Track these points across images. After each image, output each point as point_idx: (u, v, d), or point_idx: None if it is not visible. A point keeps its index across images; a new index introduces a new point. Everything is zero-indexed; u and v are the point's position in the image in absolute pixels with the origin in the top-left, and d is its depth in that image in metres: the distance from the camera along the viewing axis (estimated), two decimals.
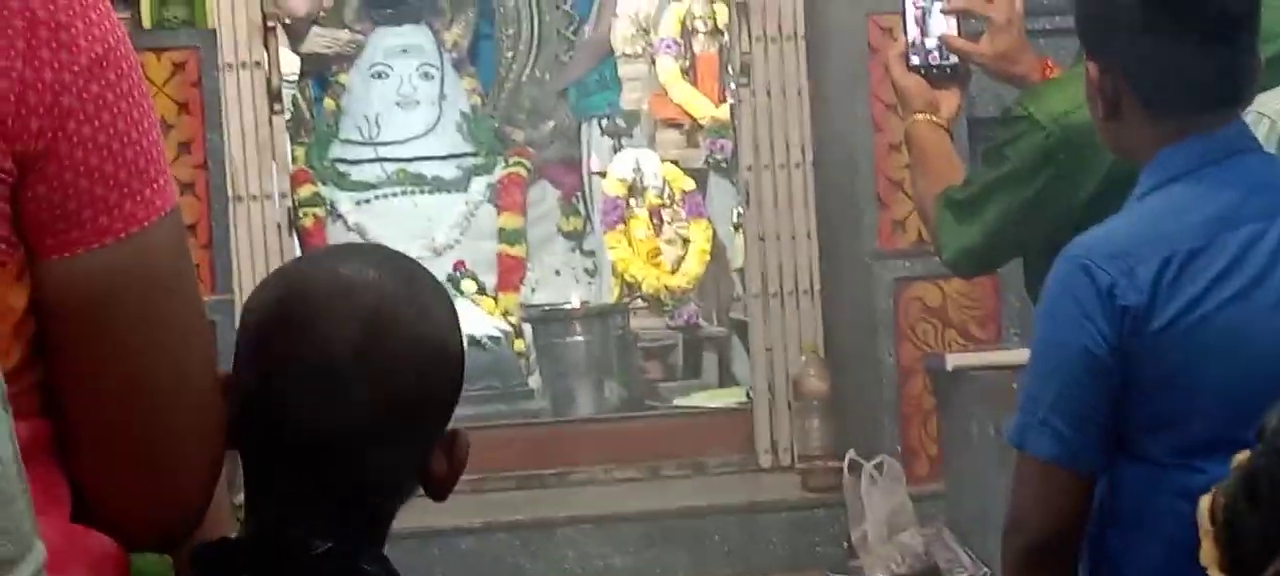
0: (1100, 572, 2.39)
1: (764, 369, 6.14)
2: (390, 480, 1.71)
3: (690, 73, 7.50)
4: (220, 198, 5.62)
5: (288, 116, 6.12)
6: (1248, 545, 1.65)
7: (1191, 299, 2.28)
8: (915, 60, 3.14)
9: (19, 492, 1.29)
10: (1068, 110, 2.85)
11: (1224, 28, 2.33)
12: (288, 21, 7.50)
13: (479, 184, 8.34)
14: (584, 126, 8.46)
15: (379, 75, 8.49)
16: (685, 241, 7.36)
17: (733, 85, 6.44)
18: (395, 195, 8.27)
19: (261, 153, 5.69)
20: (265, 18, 5.68)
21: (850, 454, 5.57)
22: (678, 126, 7.50)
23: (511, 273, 8.21)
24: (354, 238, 8.05)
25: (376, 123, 8.41)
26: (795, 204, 5.99)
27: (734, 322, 7.21)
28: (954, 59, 3.15)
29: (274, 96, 5.71)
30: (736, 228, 7.08)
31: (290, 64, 7.55)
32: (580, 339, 7.05)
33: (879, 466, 5.48)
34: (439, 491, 1.73)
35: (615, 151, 7.86)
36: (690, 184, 7.40)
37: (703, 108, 7.39)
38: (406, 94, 8.47)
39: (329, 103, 8.53)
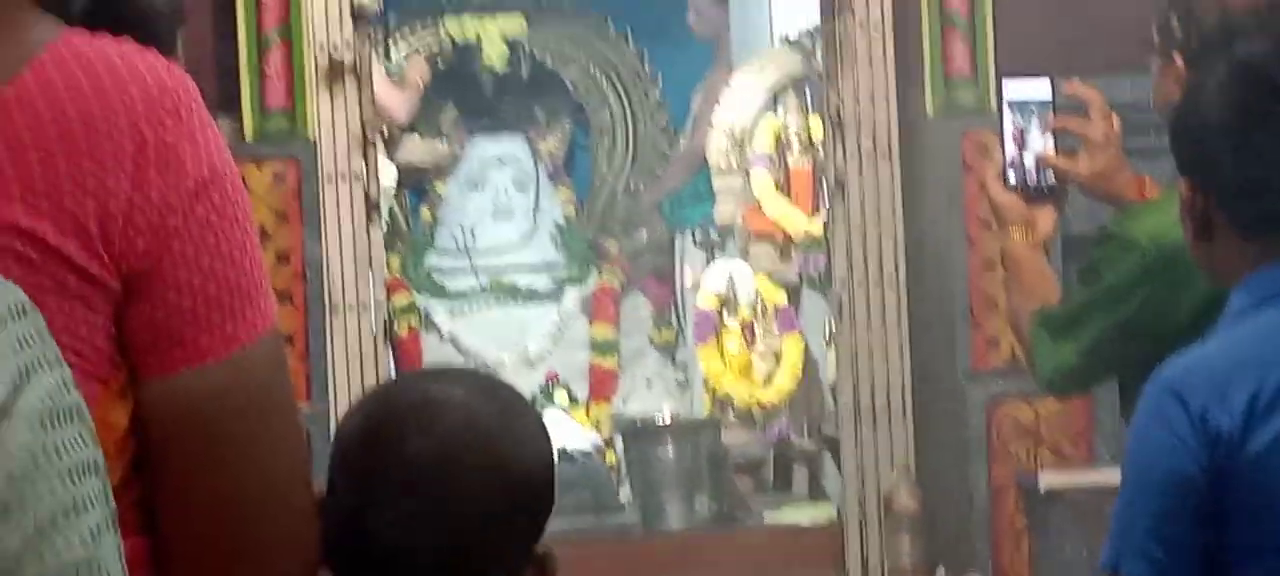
0: None
1: (855, 485, 6.10)
2: None
3: (784, 187, 7.51)
4: (317, 307, 5.65)
5: (384, 226, 6.15)
6: None
7: None
8: (1012, 177, 3.14)
9: None
10: (1164, 230, 2.83)
11: None
12: (386, 133, 7.56)
13: (572, 295, 8.37)
14: (678, 238, 8.48)
15: (475, 185, 8.55)
16: (777, 356, 7.35)
17: (827, 200, 6.43)
18: (489, 305, 8.31)
19: (359, 262, 5.72)
20: (365, 129, 5.73)
21: (940, 572, 5.52)
22: (771, 240, 7.50)
23: (603, 384, 8.21)
24: (448, 347, 8.09)
25: (471, 233, 8.46)
26: (888, 320, 5.97)
27: (825, 438, 7.17)
28: (1051, 177, 3.14)
29: (372, 206, 5.75)
30: (829, 343, 7.05)
31: (388, 174, 7.61)
32: (671, 452, 7.03)
33: None
34: None
35: (708, 264, 7.87)
36: (783, 298, 7.39)
37: (796, 222, 7.39)
38: (501, 204, 8.53)
39: (425, 212, 8.60)
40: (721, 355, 7.41)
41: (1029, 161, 3.14)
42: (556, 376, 8.13)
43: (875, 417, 5.99)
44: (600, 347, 8.24)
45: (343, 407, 5.55)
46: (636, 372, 8.34)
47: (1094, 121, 3.13)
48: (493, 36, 8.70)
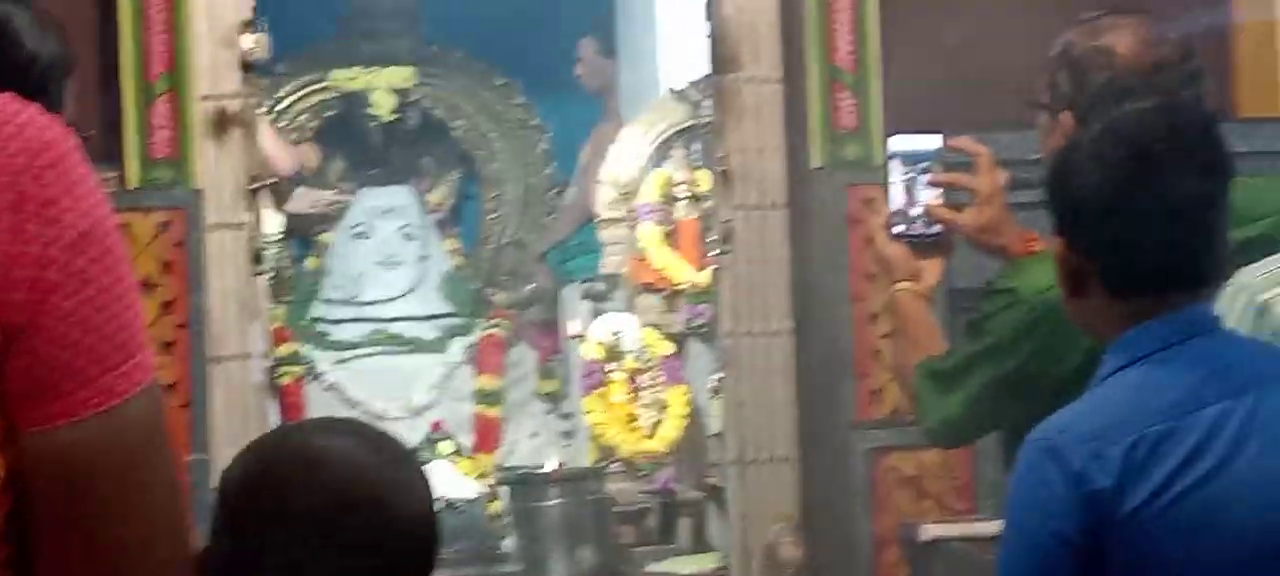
0: None
1: (740, 535, 6.08)
2: None
3: (671, 238, 7.51)
4: (200, 357, 5.59)
5: (270, 276, 6.10)
6: None
7: (1160, 482, 2.26)
8: (900, 229, 3.15)
9: None
10: (1050, 285, 2.82)
11: (1187, 212, 2.33)
12: (273, 182, 7.50)
13: (458, 345, 8.34)
14: (564, 289, 8.48)
15: (361, 235, 8.51)
16: (663, 406, 7.34)
17: (714, 252, 6.43)
18: (374, 355, 8.26)
19: (243, 313, 5.66)
20: (251, 179, 5.67)
21: None
22: (658, 291, 7.50)
23: (489, 434, 8.18)
24: (332, 397, 8.03)
25: (358, 282, 8.42)
26: (774, 371, 5.96)
27: (710, 488, 7.16)
28: (938, 228, 3.15)
29: (257, 257, 5.69)
30: (714, 393, 7.05)
31: (274, 223, 7.54)
32: (556, 502, 7.00)
33: None
34: None
35: (595, 315, 7.86)
36: (669, 349, 7.38)
37: (683, 273, 7.40)
38: (388, 254, 8.49)
39: (311, 262, 8.55)
40: (607, 405, 7.39)
41: (916, 212, 3.14)
42: (442, 426, 8.09)
43: (760, 467, 5.98)
44: (486, 398, 8.22)
45: (224, 458, 5.44)
46: (522, 423, 8.32)
47: (981, 175, 3.13)
48: (381, 87, 8.67)
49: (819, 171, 5.82)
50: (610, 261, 7.77)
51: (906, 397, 3.19)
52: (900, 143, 3.19)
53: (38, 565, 1.51)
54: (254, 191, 5.68)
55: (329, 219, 8.52)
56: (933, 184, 3.15)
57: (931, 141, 3.18)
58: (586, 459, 7.61)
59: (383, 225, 8.54)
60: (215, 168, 5.66)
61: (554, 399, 8.38)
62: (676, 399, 7.33)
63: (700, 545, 7.20)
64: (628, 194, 7.67)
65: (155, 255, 5.56)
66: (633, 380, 7.36)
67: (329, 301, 8.41)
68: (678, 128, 7.69)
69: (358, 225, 8.53)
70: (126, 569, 1.53)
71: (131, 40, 5.58)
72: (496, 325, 8.37)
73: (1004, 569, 2.32)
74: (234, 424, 5.60)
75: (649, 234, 7.49)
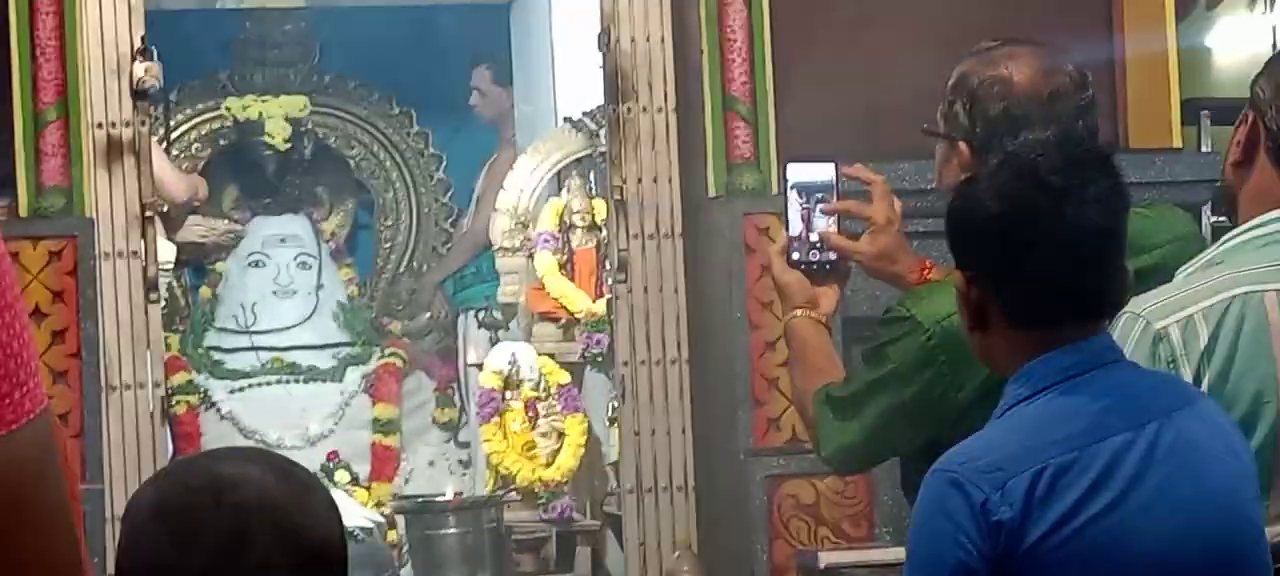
0: None
1: (637, 563, 6.07)
2: None
3: (568, 267, 7.50)
4: (93, 386, 5.52)
5: (163, 305, 6.03)
6: None
7: (1064, 513, 2.26)
8: (796, 256, 3.14)
9: None
10: (949, 313, 2.83)
11: (1085, 244, 2.34)
12: (166, 210, 7.43)
13: (354, 374, 8.29)
14: (461, 318, 8.44)
15: (256, 264, 8.44)
16: (560, 435, 7.31)
17: (610, 281, 6.43)
18: (269, 384, 8.20)
19: (136, 342, 5.60)
20: (144, 207, 5.61)
21: None
22: (555, 320, 7.48)
23: (385, 463, 8.12)
24: (227, 426, 7.95)
25: (252, 311, 8.35)
26: (671, 400, 5.96)
27: (608, 517, 7.14)
28: (833, 256, 3.15)
29: (150, 286, 5.63)
30: (612, 422, 7.04)
31: (167, 252, 7.47)
32: (453, 531, 6.96)
33: None
34: None
35: (492, 344, 7.83)
36: (566, 377, 7.36)
37: (580, 302, 7.38)
38: (283, 283, 8.43)
39: (205, 291, 8.47)
40: (504, 434, 7.35)
41: (813, 239, 3.14)
42: (337, 455, 8.03)
43: (657, 496, 5.97)
44: (382, 427, 8.16)
45: (118, 487, 5.42)
46: (419, 452, 8.27)
47: (875, 203, 3.13)
48: (275, 115, 8.61)
49: (715, 200, 5.83)
50: (507, 290, 7.74)
51: (805, 425, 3.18)
52: (796, 171, 3.18)
53: None
54: (147, 219, 5.62)
55: (223, 248, 8.44)
56: (828, 212, 3.15)
57: (826, 170, 3.18)
58: (484, 487, 7.57)
59: (278, 254, 8.48)
60: (107, 196, 5.60)
61: (451, 427, 8.33)
62: (574, 427, 7.31)
63: (598, 573, 7.18)
64: (524, 223, 7.65)
65: (46, 284, 5.50)
66: (530, 409, 7.33)
67: (223, 330, 8.33)
68: (574, 156, 7.68)
69: (252, 254, 8.46)
70: None
71: (21, 68, 5.51)
72: (393, 354, 8.32)
73: None
74: (129, 454, 5.54)
75: (545, 263, 7.47)
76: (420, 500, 7.47)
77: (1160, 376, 2.51)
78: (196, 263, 8.44)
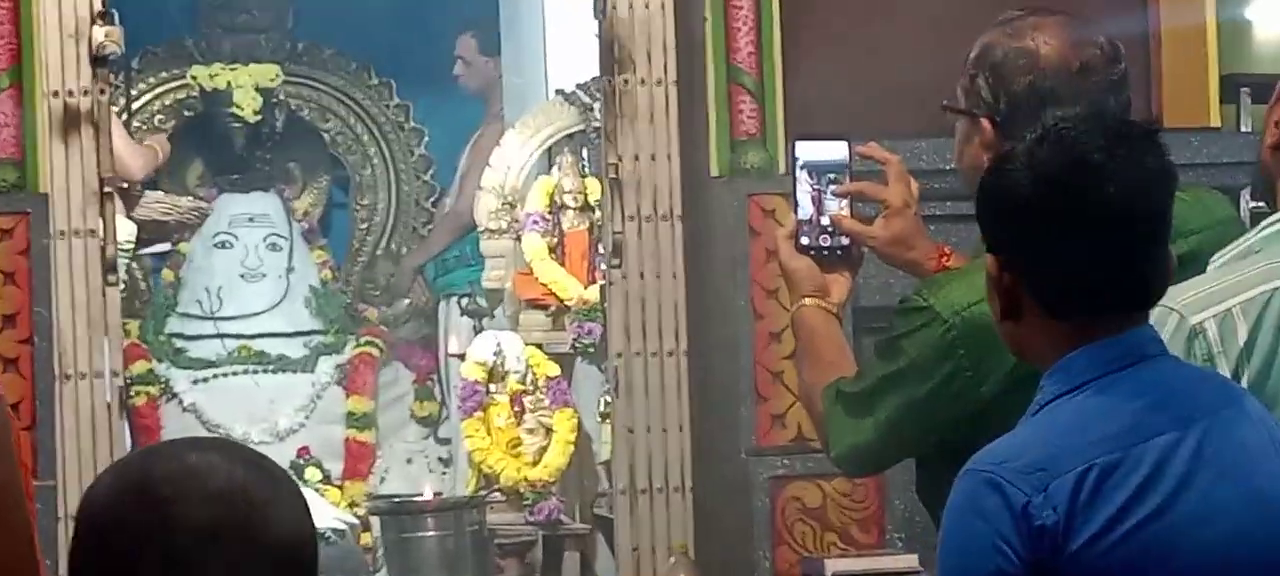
0: None
1: (630, 569, 6.07)
2: None
3: (558, 251, 7.50)
4: (46, 375, 5.52)
5: (122, 287, 6.03)
6: None
7: (1110, 516, 2.25)
8: (805, 241, 3.14)
9: None
10: (970, 303, 2.83)
11: (1129, 228, 2.33)
12: (125, 186, 7.42)
13: (327, 364, 8.29)
14: (442, 305, 8.45)
15: (222, 245, 8.44)
16: (548, 431, 7.32)
17: (603, 266, 6.42)
18: (236, 374, 8.20)
19: (92, 327, 5.59)
20: (102, 183, 5.60)
21: None
22: (543, 308, 7.48)
23: (360, 460, 8.13)
24: (190, 419, 7.96)
25: (218, 296, 8.34)
26: (667, 394, 5.96)
27: (599, 520, 7.15)
28: (845, 241, 3.14)
29: (109, 267, 5.62)
30: (604, 418, 7.04)
31: (126, 231, 7.47)
32: (432, 534, 6.96)
33: None
34: None
35: (475, 333, 7.83)
36: (555, 370, 7.36)
37: (570, 289, 7.38)
38: (251, 266, 8.42)
39: (167, 273, 8.47)
40: (488, 430, 7.36)
41: (824, 223, 3.13)
42: (308, 451, 8.04)
43: (652, 497, 5.98)
44: (356, 421, 8.17)
45: (72, 485, 5.42)
46: (396, 448, 8.27)
47: (892, 185, 3.13)
48: (244, 85, 8.60)
49: (717, 180, 5.82)
50: (492, 275, 7.74)
51: (813, 422, 3.18)
52: (806, 149, 3.18)
53: None
54: (105, 196, 5.62)
55: (186, 227, 8.44)
56: (840, 194, 3.14)
57: (839, 148, 3.18)
58: (465, 487, 7.57)
59: (246, 234, 8.47)
60: (63, 170, 5.59)
61: (431, 422, 8.34)
62: (563, 423, 7.31)
63: None
64: (511, 203, 7.65)
65: None
66: (516, 403, 7.33)
67: (186, 316, 8.33)
68: (565, 132, 7.67)
69: (218, 234, 8.46)
70: None
71: None
72: (368, 343, 8.33)
73: None
74: (84, 447, 5.53)
75: (534, 246, 7.47)
76: (397, 500, 7.48)
77: (1204, 373, 2.51)
78: (158, 243, 8.44)
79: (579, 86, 7.55)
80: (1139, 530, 2.26)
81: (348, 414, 8.17)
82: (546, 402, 7.33)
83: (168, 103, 8.75)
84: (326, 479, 8.01)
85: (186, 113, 8.73)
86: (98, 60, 5.64)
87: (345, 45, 8.94)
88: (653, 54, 5.92)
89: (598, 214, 7.11)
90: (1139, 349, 2.36)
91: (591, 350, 7.27)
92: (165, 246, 8.33)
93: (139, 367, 7.87)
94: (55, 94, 5.59)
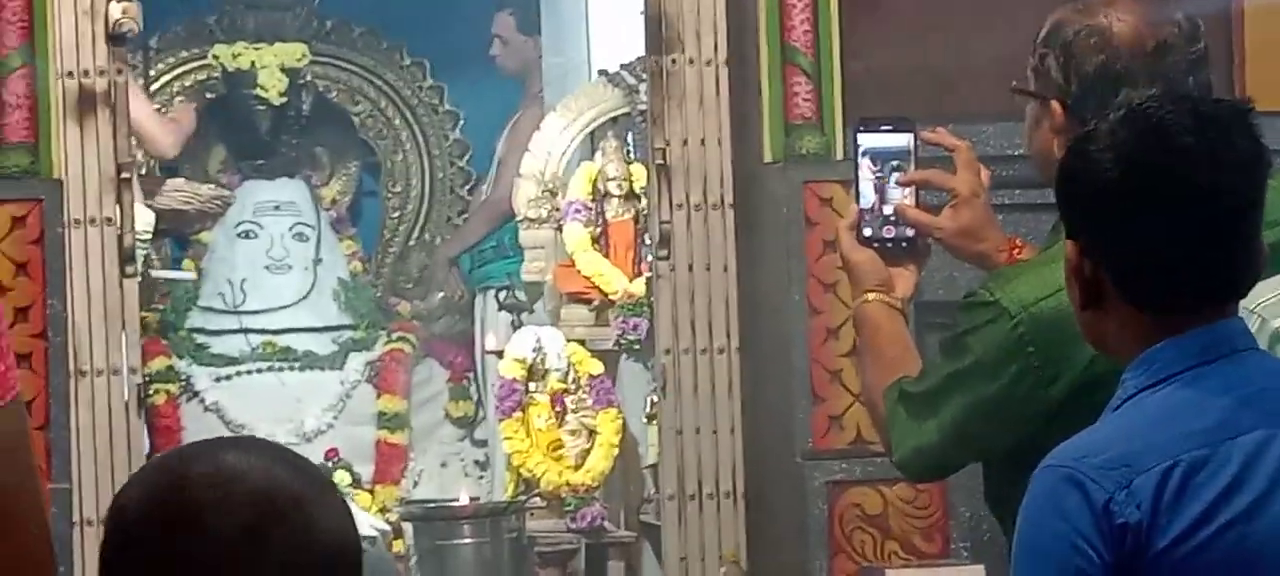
0: None
1: None
2: None
3: (601, 242, 7.51)
4: (61, 371, 5.54)
5: (140, 279, 6.06)
6: None
7: (1198, 516, 2.26)
8: (868, 232, 3.14)
9: None
10: (1040, 297, 2.84)
11: (1218, 215, 2.33)
12: (144, 172, 7.46)
13: (356, 361, 8.32)
14: (478, 299, 8.46)
15: (246, 234, 8.47)
16: (591, 433, 7.33)
17: (650, 257, 6.43)
18: (260, 371, 8.24)
19: (109, 321, 5.62)
20: (119, 168, 5.63)
21: None
22: (586, 302, 7.49)
23: (391, 463, 8.15)
24: (211, 419, 7.99)
25: (242, 289, 8.38)
26: (718, 394, 5.97)
27: (645, 527, 7.16)
28: (910, 232, 3.15)
29: (126, 257, 5.65)
30: (650, 419, 7.05)
31: (145, 220, 7.50)
32: (468, 542, 6.99)
33: None
34: None
35: (514, 328, 7.84)
36: (598, 368, 7.38)
37: (615, 282, 7.39)
38: (277, 257, 8.46)
39: (188, 264, 8.50)
40: (527, 431, 7.38)
41: (888, 213, 3.14)
42: (337, 454, 8.07)
43: (702, 503, 5.98)
44: (388, 422, 8.19)
45: (88, 487, 5.45)
46: (429, 450, 8.29)
47: (960, 173, 3.13)
48: (269, 65, 8.63)
49: (771, 166, 5.83)
50: (532, 267, 7.76)
51: (874, 424, 3.18)
52: (868, 137, 3.19)
53: None
54: (123, 182, 5.65)
55: (209, 216, 8.47)
56: (904, 182, 3.15)
57: (903, 134, 3.18)
58: (503, 492, 7.59)
59: (271, 223, 8.51)
60: (78, 154, 5.62)
61: (466, 423, 8.36)
62: (607, 424, 7.32)
63: None
64: (552, 191, 7.66)
65: (8, 254, 5.52)
66: (557, 403, 7.35)
67: (208, 310, 8.36)
68: (609, 115, 7.69)
69: (242, 223, 8.49)
70: None
71: None
72: (400, 339, 8.35)
73: None
74: (100, 448, 5.56)
75: (576, 236, 7.48)
76: (431, 506, 7.50)
77: None
78: (179, 232, 8.47)
79: (624, 67, 7.56)
80: (1227, 531, 2.26)
81: (378, 414, 8.20)
82: (589, 402, 7.35)
83: (188, 84, 8.78)
84: (356, 483, 8.03)
85: (208, 94, 8.76)
86: (114, 39, 5.66)
87: (376, 23, 8.96)
88: (702, 32, 5.92)
89: (644, 202, 7.11)
90: (1228, 342, 2.36)
91: (637, 347, 7.28)
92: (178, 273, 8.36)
93: (158, 364, 7.90)
94: (69, 74, 5.62)
